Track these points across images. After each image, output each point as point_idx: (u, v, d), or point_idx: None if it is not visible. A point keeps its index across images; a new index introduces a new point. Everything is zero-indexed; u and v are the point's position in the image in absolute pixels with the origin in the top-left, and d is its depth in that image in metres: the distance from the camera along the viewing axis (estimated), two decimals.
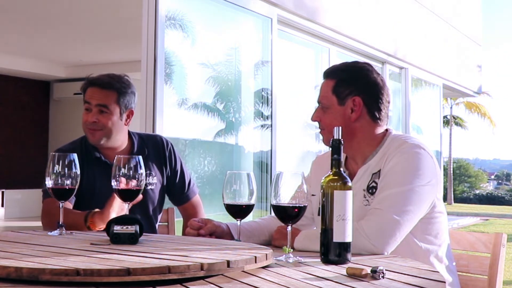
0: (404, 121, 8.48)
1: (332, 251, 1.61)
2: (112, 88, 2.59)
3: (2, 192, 10.72)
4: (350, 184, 1.63)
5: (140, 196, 2.01)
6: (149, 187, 2.63)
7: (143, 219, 2.61)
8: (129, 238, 1.70)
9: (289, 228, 1.70)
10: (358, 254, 1.78)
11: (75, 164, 1.94)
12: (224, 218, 2.19)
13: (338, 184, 1.61)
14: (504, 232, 2.15)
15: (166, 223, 2.88)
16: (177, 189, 2.76)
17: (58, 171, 1.92)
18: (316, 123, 2.14)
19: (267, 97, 5.45)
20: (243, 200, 1.88)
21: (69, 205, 2.46)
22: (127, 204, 1.91)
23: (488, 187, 44.32)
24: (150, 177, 2.63)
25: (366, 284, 1.36)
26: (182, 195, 2.78)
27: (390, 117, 2.18)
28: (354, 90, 2.07)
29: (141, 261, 1.39)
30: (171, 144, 2.75)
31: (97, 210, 2.28)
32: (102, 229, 2.22)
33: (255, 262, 1.47)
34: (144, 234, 1.83)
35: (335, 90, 2.08)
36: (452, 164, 30.64)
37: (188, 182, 2.78)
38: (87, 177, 2.53)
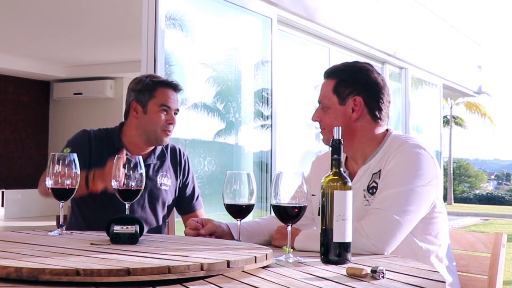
0: (404, 121, 8.48)
1: (332, 251, 1.61)
2: (180, 91, 2.73)
3: (2, 192, 10.72)
4: (350, 184, 1.63)
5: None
6: (162, 187, 2.72)
7: (153, 218, 2.66)
8: (129, 238, 1.70)
9: (289, 228, 1.70)
10: (358, 254, 1.78)
11: (75, 164, 1.94)
12: (224, 218, 2.19)
13: (338, 184, 1.61)
14: (504, 232, 2.15)
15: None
16: (185, 199, 2.84)
17: (58, 171, 1.92)
18: (317, 123, 2.14)
19: (267, 97, 5.45)
20: (243, 200, 1.88)
21: None
22: (126, 204, 1.90)
23: (488, 187, 44.29)
24: (165, 178, 2.73)
25: (366, 284, 1.36)
26: (190, 205, 2.85)
27: (390, 117, 2.18)
28: (354, 89, 2.07)
29: (141, 261, 1.39)
30: (187, 155, 2.87)
31: (95, 170, 2.38)
32: (102, 188, 2.35)
33: (255, 262, 1.47)
34: (144, 234, 1.83)
35: (335, 90, 2.08)
36: (452, 164, 30.62)
37: (197, 194, 2.88)
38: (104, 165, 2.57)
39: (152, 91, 2.65)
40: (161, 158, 2.74)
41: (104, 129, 2.74)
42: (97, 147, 2.63)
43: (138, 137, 2.67)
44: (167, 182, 2.72)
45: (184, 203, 2.84)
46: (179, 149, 2.85)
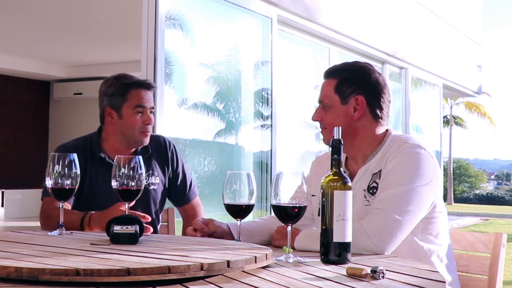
0: (404, 121, 8.48)
1: (332, 251, 1.61)
2: (153, 88, 2.65)
3: (2, 192, 10.72)
4: (350, 184, 1.63)
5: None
6: (151, 187, 2.64)
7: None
8: (129, 238, 1.70)
9: (289, 228, 1.70)
10: (358, 254, 1.78)
11: (75, 164, 1.95)
12: (224, 218, 2.19)
13: (338, 184, 1.61)
14: (504, 232, 2.15)
15: (166, 223, 2.88)
16: (178, 190, 2.76)
17: (58, 171, 1.92)
18: (317, 123, 2.14)
19: (267, 97, 5.45)
20: (243, 200, 1.88)
21: (68, 205, 2.46)
22: (126, 204, 1.91)
23: (488, 187, 44.29)
24: (153, 177, 2.65)
25: (366, 284, 1.36)
26: (183, 196, 2.79)
27: (390, 117, 2.18)
28: (356, 89, 2.07)
29: (141, 261, 1.39)
30: (173, 145, 2.77)
31: (92, 212, 2.27)
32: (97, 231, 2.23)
33: (255, 262, 1.47)
34: (144, 234, 1.83)
35: (337, 89, 2.08)
36: (452, 164, 30.62)
37: (189, 183, 2.80)
38: (89, 176, 2.53)
39: (124, 94, 2.57)
40: (145, 155, 2.63)
41: (83, 138, 2.65)
42: (79, 159, 2.54)
43: (117, 142, 2.60)
44: (154, 181, 2.65)
45: (178, 195, 2.77)
46: (164, 140, 2.75)
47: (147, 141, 2.61)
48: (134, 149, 2.65)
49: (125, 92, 2.58)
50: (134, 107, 2.57)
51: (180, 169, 2.76)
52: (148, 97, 2.60)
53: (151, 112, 2.61)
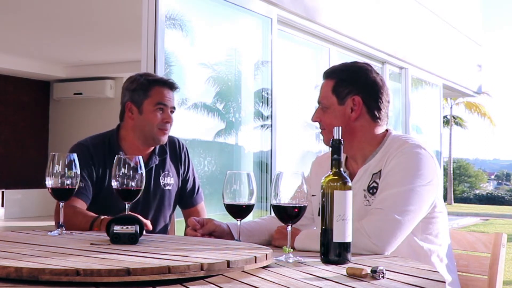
0: (404, 121, 8.48)
1: (332, 251, 1.61)
2: (176, 89, 2.66)
3: (2, 192, 10.71)
4: (350, 184, 1.63)
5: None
6: (166, 188, 2.67)
7: (160, 221, 2.64)
8: (129, 238, 1.70)
9: (289, 228, 1.70)
10: (359, 254, 1.78)
11: (75, 164, 1.94)
12: (224, 218, 2.19)
13: (338, 184, 1.61)
14: (504, 232, 2.16)
15: None
16: (187, 193, 2.79)
17: (58, 171, 1.92)
18: (317, 124, 2.15)
19: (267, 97, 5.45)
20: (243, 200, 1.88)
21: (83, 204, 2.44)
22: (126, 204, 1.91)
23: (488, 187, 44.29)
24: (168, 177, 2.68)
25: (366, 284, 1.36)
26: (191, 199, 2.81)
27: (389, 117, 2.18)
28: (353, 89, 2.07)
29: (141, 261, 1.39)
30: (186, 147, 2.80)
31: (103, 217, 2.25)
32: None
33: (255, 262, 1.47)
34: (144, 234, 1.83)
35: (334, 90, 2.09)
36: (452, 164, 30.62)
37: (197, 187, 2.83)
38: (109, 176, 2.50)
39: (147, 90, 2.58)
40: (162, 155, 2.67)
41: (101, 135, 2.65)
42: (98, 157, 2.55)
43: (136, 139, 2.60)
44: (170, 181, 2.68)
45: (185, 198, 2.79)
46: (178, 141, 2.77)
47: (165, 139, 2.61)
48: (152, 149, 2.65)
49: (148, 88, 2.59)
50: (155, 104, 2.58)
51: (190, 173, 2.80)
52: (170, 96, 2.61)
53: (171, 111, 2.61)
